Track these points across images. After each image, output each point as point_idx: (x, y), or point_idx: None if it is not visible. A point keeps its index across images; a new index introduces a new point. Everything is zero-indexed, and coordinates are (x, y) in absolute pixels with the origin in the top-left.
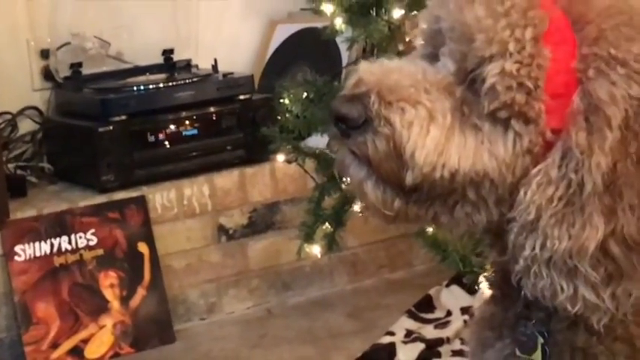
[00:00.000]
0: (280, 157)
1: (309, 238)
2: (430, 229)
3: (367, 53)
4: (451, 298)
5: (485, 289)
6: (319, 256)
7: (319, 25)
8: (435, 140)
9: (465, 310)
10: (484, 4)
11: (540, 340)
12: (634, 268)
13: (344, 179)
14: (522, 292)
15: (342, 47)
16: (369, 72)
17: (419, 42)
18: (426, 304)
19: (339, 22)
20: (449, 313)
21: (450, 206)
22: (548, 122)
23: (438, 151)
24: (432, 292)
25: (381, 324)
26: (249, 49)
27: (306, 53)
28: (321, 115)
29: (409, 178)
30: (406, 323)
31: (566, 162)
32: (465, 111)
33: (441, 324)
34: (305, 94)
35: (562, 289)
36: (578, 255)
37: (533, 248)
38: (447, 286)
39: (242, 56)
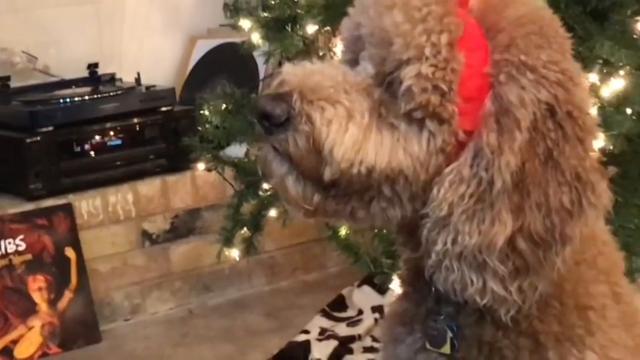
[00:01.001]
0: (201, 166)
1: (228, 242)
2: (343, 232)
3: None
4: (362, 297)
5: (396, 288)
6: (238, 259)
7: (237, 40)
8: (353, 138)
9: (375, 309)
10: (402, 10)
11: (449, 334)
12: (540, 263)
13: (266, 177)
14: (433, 288)
15: (259, 61)
16: (292, 73)
17: (340, 49)
18: (339, 304)
19: (256, 37)
20: (360, 312)
21: (367, 201)
22: (460, 123)
23: (355, 148)
24: (344, 292)
25: (296, 323)
26: (171, 63)
27: (224, 67)
28: (240, 126)
29: (327, 174)
30: (320, 322)
31: (477, 161)
32: (383, 111)
33: (353, 322)
34: (224, 106)
35: (472, 282)
36: (487, 250)
37: (445, 243)
38: (359, 286)
39: (164, 70)
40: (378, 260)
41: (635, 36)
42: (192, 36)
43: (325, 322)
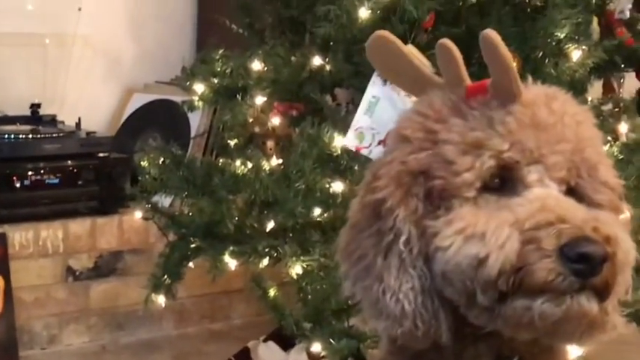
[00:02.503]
0: (138, 214)
1: (157, 288)
2: (272, 293)
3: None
4: (268, 352)
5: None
6: (163, 305)
7: (171, 97)
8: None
9: None
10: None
11: None
12: None
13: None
14: None
15: (192, 120)
16: (569, 210)
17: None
18: (245, 356)
19: (195, 99)
20: None
21: None
22: None
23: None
24: (250, 345)
25: None
26: (107, 111)
27: (156, 121)
28: (176, 181)
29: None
30: None
31: None
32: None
33: None
34: (162, 160)
35: None
36: None
37: None
38: (265, 341)
39: (100, 117)
40: (299, 323)
41: None
42: (130, 89)
43: None
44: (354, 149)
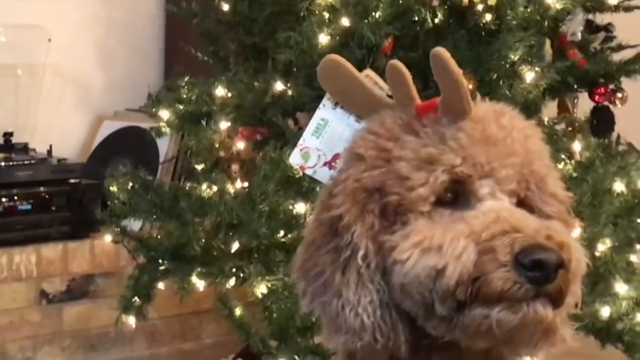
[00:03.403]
0: (108, 237)
1: (127, 310)
2: (238, 312)
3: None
4: None
5: None
6: (134, 326)
7: (141, 124)
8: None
9: None
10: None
11: None
12: None
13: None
14: None
15: (161, 145)
16: (521, 220)
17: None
18: None
19: (163, 125)
20: None
21: None
22: None
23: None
24: None
25: None
26: (78, 138)
27: (127, 148)
28: (144, 205)
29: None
30: None
31: None
32: None
33: None
34: (130, 185)
35: None
36: None
37: None
38: (234, 359)
39: (71, 144)
40: (265, 341)
41: None
42: (100, 116)
43: None
44: (298, 168)
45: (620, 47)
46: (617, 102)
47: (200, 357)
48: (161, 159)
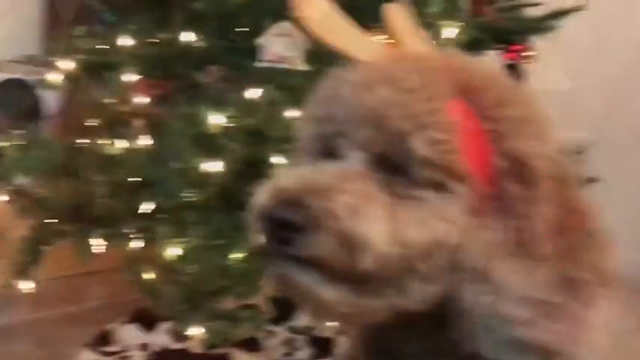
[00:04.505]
0: (3, 197)
1: (19, 274)
2: (146, 276)
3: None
4: (128, 335)
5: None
6: (26, 291)
7: (22, 76)
8: (384, 219)
9: (142, 347)
10: (388, 85)
11: None
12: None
13: (287, 293)
14: None
15: (46, 98)
16: (288, 178)
17: (299, 152)
18: (105, 339)
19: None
20: (127, 348)
21: (402, 286)
22: (476, 180)
23: (389, 228)
24: (109, 327)
25: (64, 353)
26: None
27: (7, 101)
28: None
29: (365, 264)
30: (88, 356)
31: (506, 216)
32: (398, 190)
33: (121, 358)
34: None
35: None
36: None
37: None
38: (125, 323)
39: None
40: (173, 305)
41: None
42: None
43: (93, 357)
44: None
45: (529, 4)
46: (527, 59)
47: (86, 321)
48: (47, 113)
